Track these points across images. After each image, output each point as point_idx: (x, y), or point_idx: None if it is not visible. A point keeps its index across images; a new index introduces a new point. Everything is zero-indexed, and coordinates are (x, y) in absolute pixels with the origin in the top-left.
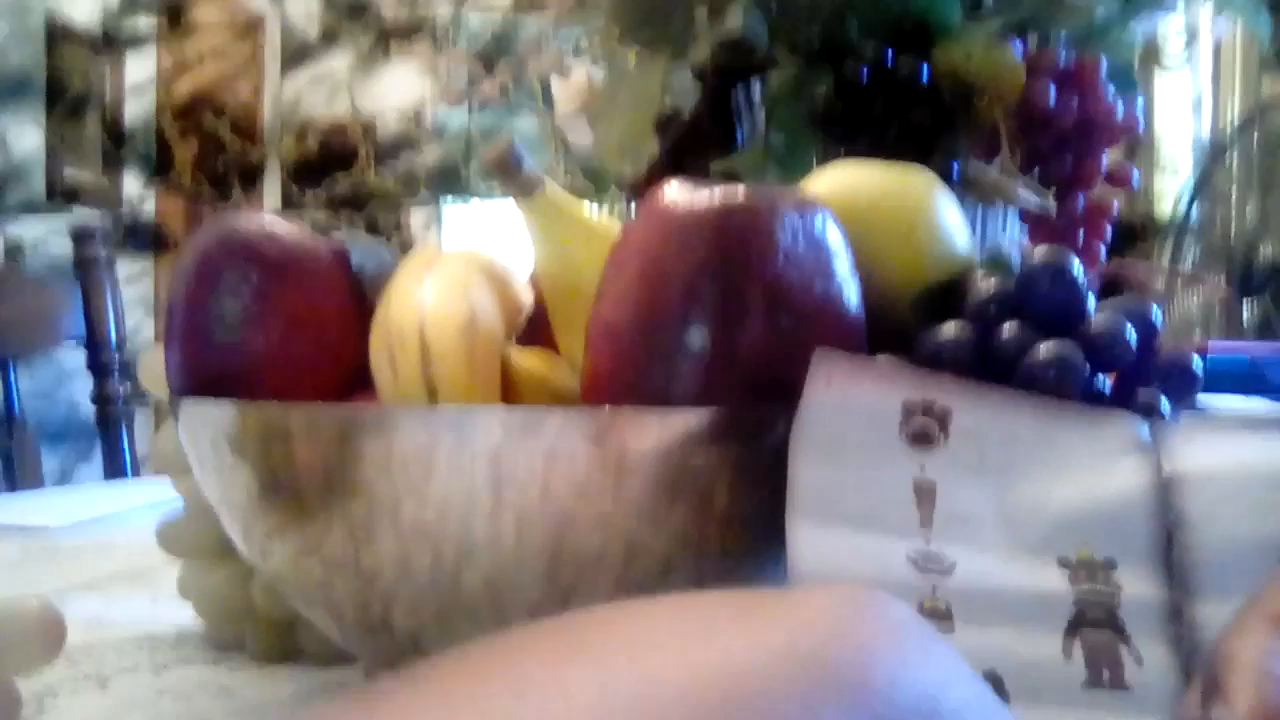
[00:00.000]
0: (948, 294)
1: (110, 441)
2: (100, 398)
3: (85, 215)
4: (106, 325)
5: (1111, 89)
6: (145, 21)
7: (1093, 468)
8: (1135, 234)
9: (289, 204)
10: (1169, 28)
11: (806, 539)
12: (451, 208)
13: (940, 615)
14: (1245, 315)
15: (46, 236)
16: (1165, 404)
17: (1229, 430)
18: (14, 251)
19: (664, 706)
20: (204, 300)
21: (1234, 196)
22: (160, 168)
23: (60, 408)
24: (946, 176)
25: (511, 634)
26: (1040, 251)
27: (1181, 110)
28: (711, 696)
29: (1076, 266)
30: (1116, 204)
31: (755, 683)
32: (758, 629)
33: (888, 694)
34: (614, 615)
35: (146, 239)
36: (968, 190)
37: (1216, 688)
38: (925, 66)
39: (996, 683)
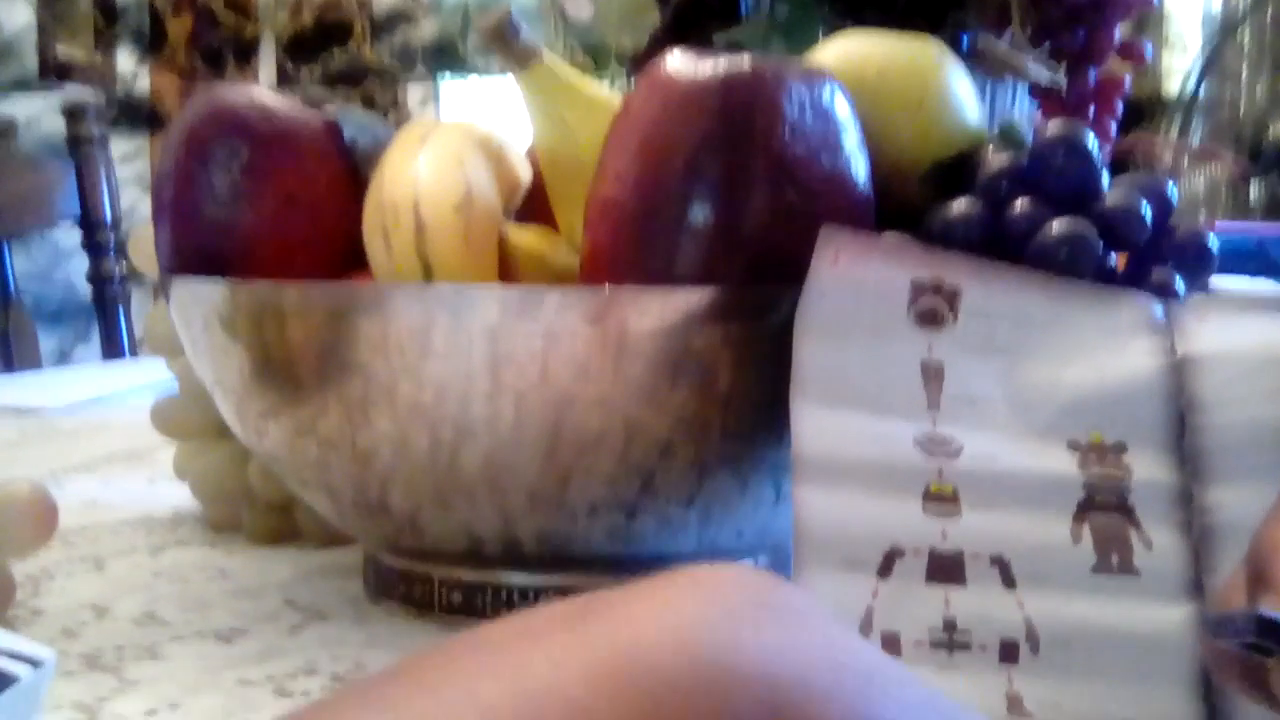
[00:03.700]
0: (958, 169)
1: (107, 321)
2: (96, 277)
3: (78, 92)
4: (101, 204)
5: None
6: None
7: (1104, 349)
8: (1141, 112)
9: (284, 80)
10: None
11: (811, 421)
12: (449, 83)
13: (947, 498)
14: (1252, 194)
15: (39, 114)
16: (1179, 283)
17: (1244, 311)
18: (6, 130)
19: None
20: (193, 175)
21: (1244, 75)
22: (153, 44)
23: (57, 288)
24: (955, 49)
25: (386, 672)
26: (1053, 125)
27: None
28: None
29: (1091, 141)
30: (1127, 79)
31: (581, 703)
32: (591, 643)
33: (725, 690)
34: (456, 649)
35: (141, 116)
36: (977, 63)
37: (1263, 578)
38: None
39: (1004, 567)
